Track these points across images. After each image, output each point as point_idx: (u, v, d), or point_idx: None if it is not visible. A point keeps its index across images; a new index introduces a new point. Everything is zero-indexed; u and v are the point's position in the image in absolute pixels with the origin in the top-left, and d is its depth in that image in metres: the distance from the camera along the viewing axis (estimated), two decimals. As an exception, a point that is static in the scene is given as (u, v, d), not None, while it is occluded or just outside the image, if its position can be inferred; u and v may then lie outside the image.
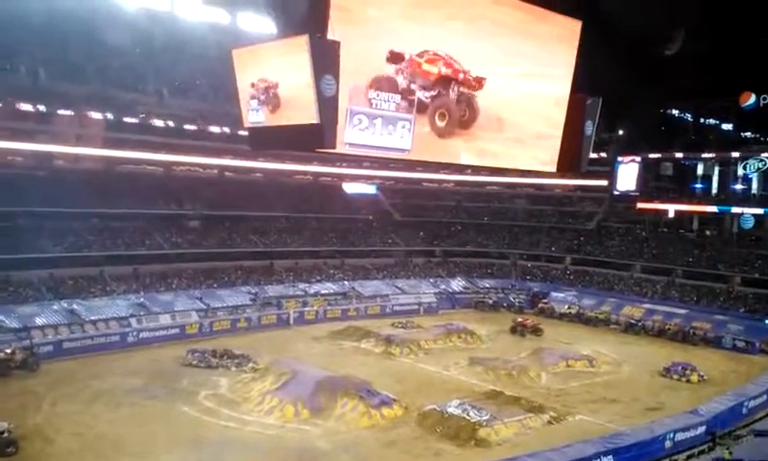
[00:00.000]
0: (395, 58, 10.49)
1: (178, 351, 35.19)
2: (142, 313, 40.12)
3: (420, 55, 10.82)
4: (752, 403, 28.11)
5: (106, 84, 46.49)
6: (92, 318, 37.78)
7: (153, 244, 47.28)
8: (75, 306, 38.45)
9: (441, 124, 11.32)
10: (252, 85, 10.98)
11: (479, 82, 11.49)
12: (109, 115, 45.26)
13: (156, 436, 23.96)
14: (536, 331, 44.78)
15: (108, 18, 42.10)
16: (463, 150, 11.91)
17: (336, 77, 10.11)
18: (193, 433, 24.33)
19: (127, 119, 45.87)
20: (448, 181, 67.18)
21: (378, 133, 11.48)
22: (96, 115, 45.04)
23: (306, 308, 46.90)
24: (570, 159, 14.36)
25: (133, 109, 46.54)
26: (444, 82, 11.15)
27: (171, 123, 48.06)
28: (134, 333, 38.03)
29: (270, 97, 10.79)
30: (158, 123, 47.40)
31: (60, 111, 43.56)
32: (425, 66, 10.90)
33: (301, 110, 10.15)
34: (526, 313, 51.62)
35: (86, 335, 36.39)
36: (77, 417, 25.60)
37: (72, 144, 45.50)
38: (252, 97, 11.09)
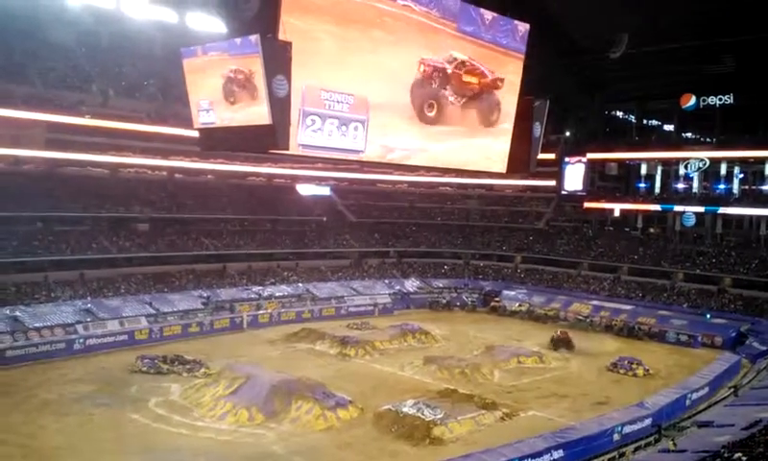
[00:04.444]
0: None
1: (127, 358, 34.27)
2: (89, 319, 38.78)
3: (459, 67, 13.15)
4: (694, 396, 29.16)
5: (48, 84, 45.04)
6: (37, 325, 36.33)
7: (99, 248, 45.88)
8: (18, 313, 36.93)
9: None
10: (229, 77, 10.76)
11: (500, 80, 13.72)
12: (52, 116, 43.66)
13: (105, 445, 23.30)
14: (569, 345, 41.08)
15: (51, 16, 40.77)
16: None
17: (288, 77, 10.02)
18: (143, 441, 23.75)
19: (71, 120, 44.32)
20: (402, 183, 67.41)
21: (333, 135, 11.46)
22: (38, 116, 43.40)
23: (260, 311, 46.28)
24: (520, 160, 14.69)
25: (78, 109, 45.10)
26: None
27: (117, 124, 46.72)
28: (81, 340, 36.81)
29: (247, 85, 10.48)
30: (104, 124, 45.96)
31: (0, 112, 41.80)
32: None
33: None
34: (480, 310, 52.63)
35: (31, 343, 34.94)
36: (21, 428, 24.62)
37: (13, 146, 43.81)
38: (227, 85, 10.87)
